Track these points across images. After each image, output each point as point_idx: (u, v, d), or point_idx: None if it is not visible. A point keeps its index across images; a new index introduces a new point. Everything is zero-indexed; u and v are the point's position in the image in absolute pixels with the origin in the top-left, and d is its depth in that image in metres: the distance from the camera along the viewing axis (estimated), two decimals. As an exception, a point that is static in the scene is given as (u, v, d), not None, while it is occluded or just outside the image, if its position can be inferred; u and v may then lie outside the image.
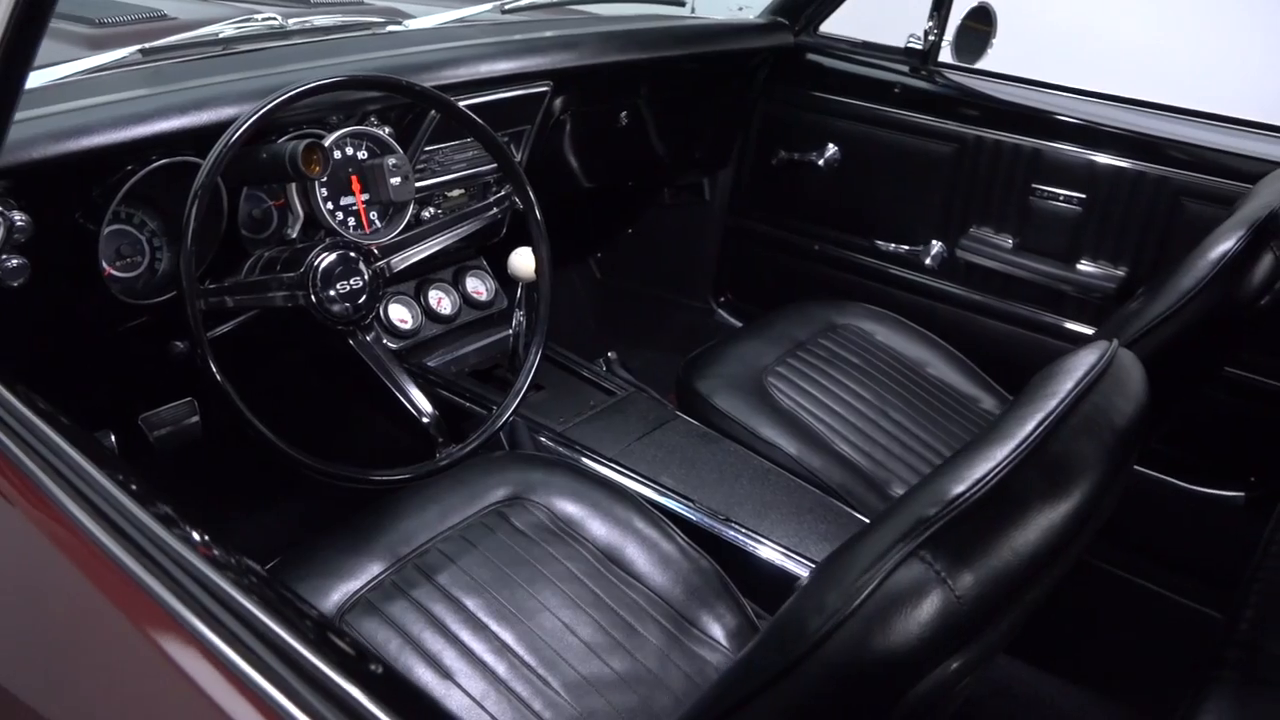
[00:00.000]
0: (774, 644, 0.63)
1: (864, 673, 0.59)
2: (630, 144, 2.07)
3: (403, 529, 1.29)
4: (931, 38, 2.04)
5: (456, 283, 1.79)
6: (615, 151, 2.08)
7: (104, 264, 1.23)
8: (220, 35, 1.42)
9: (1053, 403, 0.73)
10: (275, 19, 1.50)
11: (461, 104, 1.39)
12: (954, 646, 0.59)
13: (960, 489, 0.63)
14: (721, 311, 2.47)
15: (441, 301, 1.75)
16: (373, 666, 0.65)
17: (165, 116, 1.17)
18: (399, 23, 1.70)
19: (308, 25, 1.55)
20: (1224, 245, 1.20)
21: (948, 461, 0.74)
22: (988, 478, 0.63)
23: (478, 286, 1.82)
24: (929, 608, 0.58)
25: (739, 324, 2.43)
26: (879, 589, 0.59)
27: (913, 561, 0.59)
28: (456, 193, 1.65)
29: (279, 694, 0.61)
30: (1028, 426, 0.70)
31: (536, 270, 1.43)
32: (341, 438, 1.65)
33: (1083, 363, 0.81)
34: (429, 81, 1.40)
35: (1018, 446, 0.66)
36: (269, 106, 1.14)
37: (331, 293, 1.23)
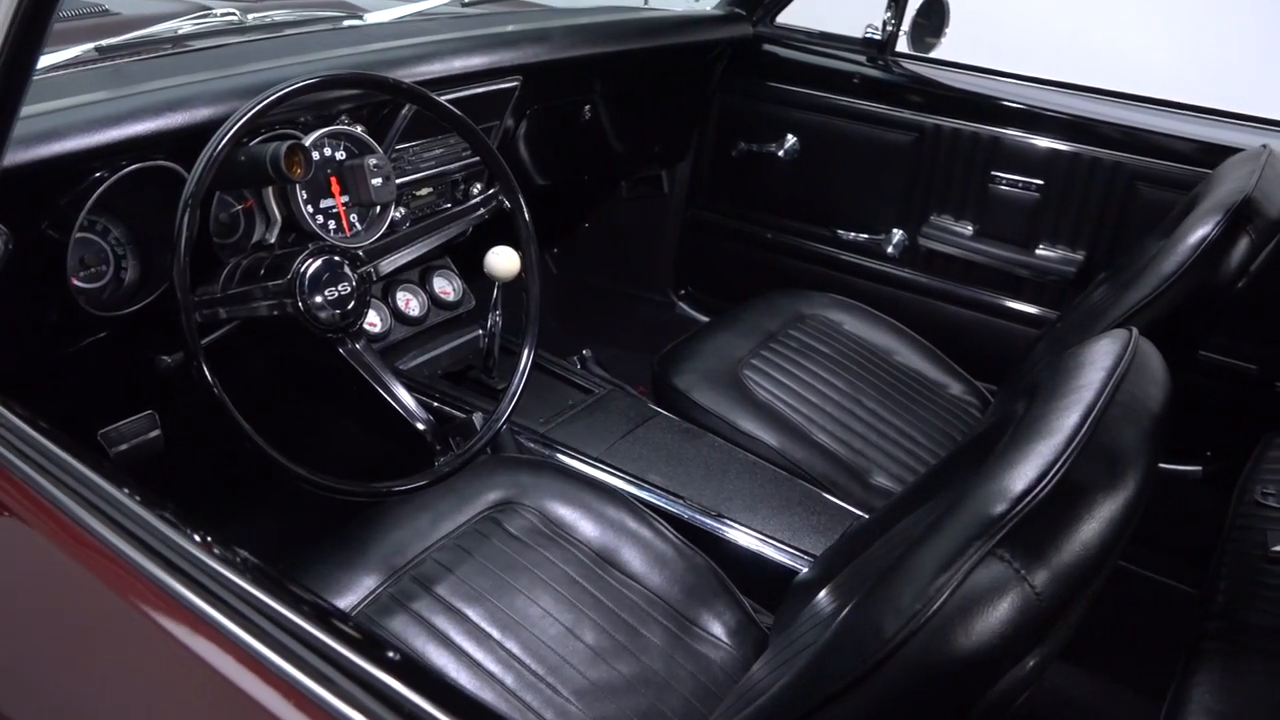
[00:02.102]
0: (848, 648, 0.62)
1: (946, 674, 0.58)
2: (591, 139, 2.05)
3: (395, 539, 1.25)
4: (889, 28, 2.06)
5: (423, 283, 1.75)
6: (576, 146, 2.06)
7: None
8: (179, 32, 1.36)
9: (1089, 394, 0.73)
10: (234, 14, 1.44)
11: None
12: (1032, 643, 0.60)
13: (1026, 485, 0.63)
14: (683, 305, 2.47)
15: (409, 303, 1.71)
16: (390, 654, 0.65)
17: (139, 119, 1.11)
18: (359, 17, 1.65)
19: (267, 20, 1.49)
20: (1202, 230, 1.23)
21: (992, 457, 0.74)
22: (1052, 473, 0.63)
23: (445, 287, 1.78)
24: (1009, 605, 0.58)
25: (700, 317, 2.43)
26: (959, 589, 0.59)
27: (991, 560, 0.59)
28: (425, 191, 1.61)
29: (314, 683, 0.63)
30: (1072, 419, 0.70)
31: (524, 270, 1.40)
32: (320, 447, 1.60)
33: (1104, 352, 0.82)
34: (405, 78, 1.36)
35: (1071, 439, 0.66)
36: (261, 106, 1.09)
37: (318, 299, 1.18)
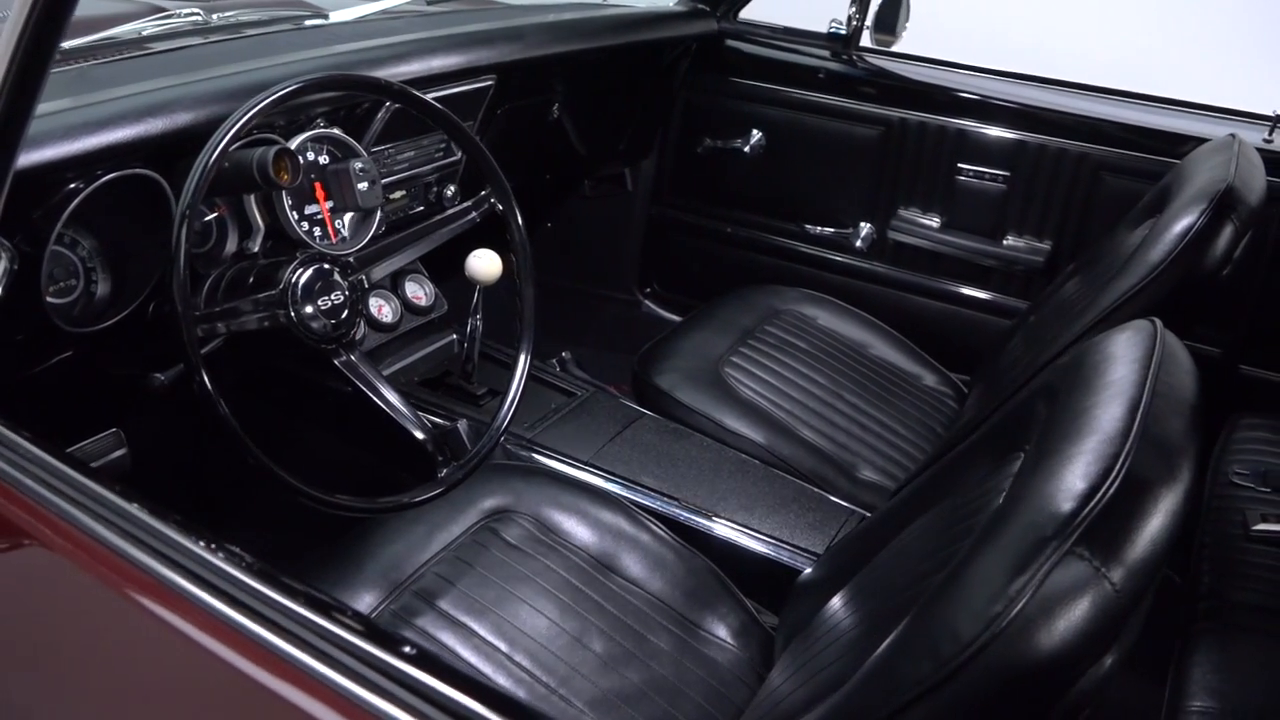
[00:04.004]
0: (923, 652, 0.62)
1: (1029, 675, 0.58)
2: (555, 137, 2.02)
3: (392, 553, 1.22)
4: (854, 22, 2.07)
5: (395, 288, 1.70)
6: (540, 145, 2.03)
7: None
8: (142, 33, 1.30)
9: (1129, 387, 0.73)
10: (198, 15, 1.38)
11: None
12: (1111, 639, 0.60)
13: (1092, 482, 0.63)
14: (648, 303, 2.45)
15: (382, 309, 1.64)
16: (406, 649, 0.65)
17: (117, 125, 1.05)
18: (324, 16, 1.60)
19: (232, 21, 1.44)
20: (1187, 219, 1.24)
21: (1033, 456, 0.74)
22: (1116, 468, 0.63)
23: (417, 291, 1.72)
24: (1090, 603, 0.58)
25: (667, 314, 2.42)
26: (1040, 590, 0.58)
27: (1071, 560, 0.59)
28: (398, 194, 1.57)
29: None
30: (1116, 412, 0.70)
31: (518, 274, 1.37)
32: (303, 460, 1.55)
33: (1130, 344, 0.82)
34: (385, 79, 1.32)
35: (1125, 434, 0.66)
36: (260, 108, 1.05)
37: (310, 309, 1.14)
